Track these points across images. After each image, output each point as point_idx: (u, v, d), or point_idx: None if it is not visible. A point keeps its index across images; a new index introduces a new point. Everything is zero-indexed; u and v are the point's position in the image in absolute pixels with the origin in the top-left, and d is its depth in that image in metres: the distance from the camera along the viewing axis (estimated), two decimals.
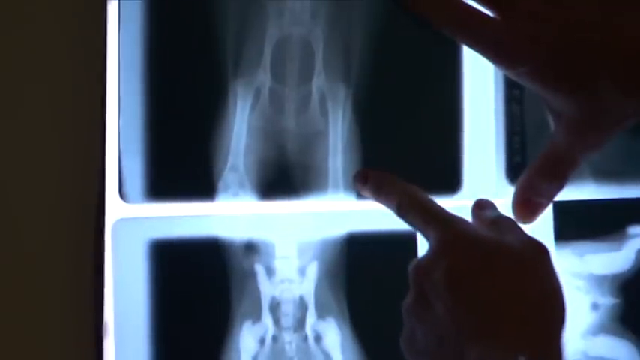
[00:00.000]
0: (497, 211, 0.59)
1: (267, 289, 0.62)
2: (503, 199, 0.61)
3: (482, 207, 0.59)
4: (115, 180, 0.59)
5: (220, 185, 0.60)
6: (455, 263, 0.52)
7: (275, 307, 0.62)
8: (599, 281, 0.64)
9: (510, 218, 0.58)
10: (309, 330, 0.62)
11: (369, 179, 0.59)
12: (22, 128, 0.59)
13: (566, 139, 0.59)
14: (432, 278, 0.52)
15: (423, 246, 0.62)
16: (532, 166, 0.60)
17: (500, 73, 0.62)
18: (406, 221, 0.57)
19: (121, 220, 0.59)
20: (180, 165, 0.60)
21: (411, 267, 0.55)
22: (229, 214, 0.61)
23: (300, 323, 0.62)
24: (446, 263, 0.52)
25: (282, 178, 0.61)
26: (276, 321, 0.62)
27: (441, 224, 0.54)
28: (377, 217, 0.62)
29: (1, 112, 0.59)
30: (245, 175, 0.61)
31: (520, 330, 0.49)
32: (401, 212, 0.57)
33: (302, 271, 0.62)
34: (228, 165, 0.61)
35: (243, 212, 0.61)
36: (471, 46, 0.59)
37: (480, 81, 0.62)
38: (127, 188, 0.59)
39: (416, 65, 0.62)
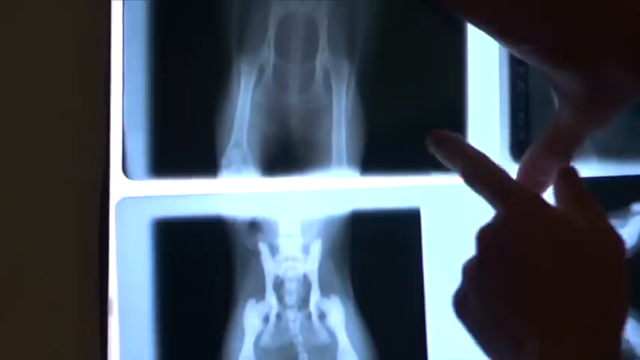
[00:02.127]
0: (581, 185, 0.55)
1: (271, 267, 0.62)
2: None
3: (566, 178, 0.56)
4: (119, 157, 0.58)
5: (224, 161, 0.60)
6: (519, 246, 0.49)
7: (279, 285, 0.62)
8: None
9: (592, 197, 0.54)
10: (313, 308, 0.62)
11: (438, 142, 0.57)
12: (26, 106, 0.59)
13: (570, 116, 0.59)
14: (496, 251, 0.50)
15: (427, 223, 0.62)
16: (536, 143, 0.60)
17: (505, 51, 0.61)
18: (472, 189, 0.55)
19: (125, 199, 0.59)
20: (184, 141, 0.59)
21: (478, 230, 0.52)
22: (233, 192, 0.61)
23: (304, 301, 0.62)
24: (511, 243, 0.50)
25: (285, 155, 0.61)
26: (280, 299, 0.62)
27: (509, 199, 0.52)
28: (381, 194, 0.62)
29: (6, 89, 0.59)
30: (249, 151, 0.61)
31: (579, 326, 0.47)
32: (466, 180, 0.55)
33: (306, 249, 0.62)
34: (232, 141, 0.60)
35: (247, 190, 0.61)
36: (476, 24, 0.59)
37: (485, 58, 0.62)
38: (130, 165, 0.59)
39: (420, 43, 0.62)
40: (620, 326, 0.49)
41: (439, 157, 0.57)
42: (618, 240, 0.52)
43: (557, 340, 0.47)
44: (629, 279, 0.50)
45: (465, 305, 0.52)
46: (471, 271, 0.52)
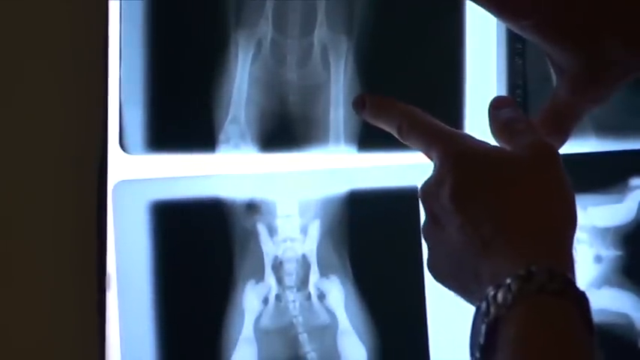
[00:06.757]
0: (513, 111, 0.56)
1: (269, 248, 0.61)
2: None
3: (498, 106, 0.56)
4: (116, 131, 0.57)
5: (222, 137, 0.59)
6: (458, 180, 0.50)
7: (278, 266, 0.61)
8: (602, 234, 0.64)
9: (525, 119, 0.56)
10: (312, 288, 0.61)
11: (366, 103, 0.57)
12: (24, 83, 0.58)
13: (569, 93, 0.58)
14: (439, 198, 0.51)
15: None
16: (534, 120, 0.60)
17: (503, 27, 0.61)
18: (409, 143, 0.55)
19: (123, 182, 0.57)
20: (182, 116, 0.58)
21: (419, 190, 0.53)
22: (230, 174, 0.60)
23: (303, 282, 0.61)
24: (450, 181, 0.50)
25: (283, 130, 0.60)
26: (280, 280, 0.61)
27: (444, 142, 0.53)
28: (378, 173, 0.61)
29: (2, 65, 0.58)
30: (246, 126, 0.60)
31: (528, 241, 0.48)
32: (402, 134, 0.55)
33: (304, 230, 0.61)
34: (230, 116, 0.59)
35: (244, 171, 0.60)
36: None
37: (483, 34, 0.62)
38: (128, 139, 0.57)
39: (418, 18, 0.61)
40: (569, 238, 0.49)
41: (372, 120, 0.57)
42: (553, 155, 0.52)
43: (509, 265, 0.47)
44: (570, 189, 0.50)
45: (437, 268, 0.52)
46: (427, 230, 0.52)
